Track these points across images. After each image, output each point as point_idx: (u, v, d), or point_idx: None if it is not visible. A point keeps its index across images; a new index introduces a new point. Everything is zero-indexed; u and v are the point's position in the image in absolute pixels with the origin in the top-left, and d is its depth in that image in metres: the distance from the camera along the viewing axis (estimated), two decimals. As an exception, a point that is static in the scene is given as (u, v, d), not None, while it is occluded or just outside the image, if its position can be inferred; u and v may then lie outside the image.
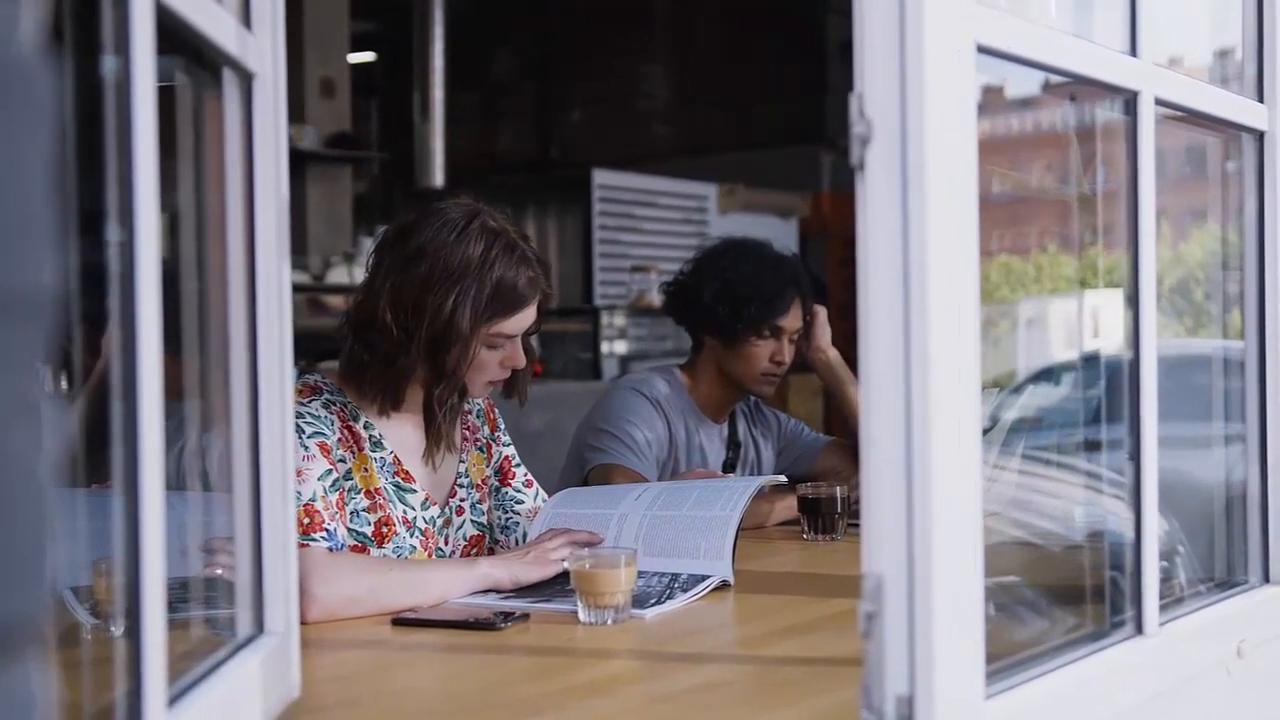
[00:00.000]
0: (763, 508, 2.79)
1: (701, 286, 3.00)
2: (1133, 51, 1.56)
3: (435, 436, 2.17)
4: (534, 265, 2.14)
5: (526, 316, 2.15)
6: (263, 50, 1.34)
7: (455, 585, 1.97)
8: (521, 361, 2.18)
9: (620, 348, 7.36)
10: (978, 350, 1.27)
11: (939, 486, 1.20)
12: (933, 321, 1.19)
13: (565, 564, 1.96)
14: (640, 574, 1.98)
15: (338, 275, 7.09)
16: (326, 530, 1.98)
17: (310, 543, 1.93)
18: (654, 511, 2.18)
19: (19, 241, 0.55)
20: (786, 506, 2.78)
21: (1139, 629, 1.57)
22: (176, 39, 1.14)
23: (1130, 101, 1.56)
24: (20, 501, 0.55)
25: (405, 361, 2.09)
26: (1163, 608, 1.61)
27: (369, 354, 2.11)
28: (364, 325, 2.12)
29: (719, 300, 2.96)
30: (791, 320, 2.99)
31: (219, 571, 1.41)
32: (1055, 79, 1.59)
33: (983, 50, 1.28)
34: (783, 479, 2.48)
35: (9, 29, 0.57)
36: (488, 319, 2.09)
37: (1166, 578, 1.83)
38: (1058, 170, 2.08)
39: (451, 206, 2.15)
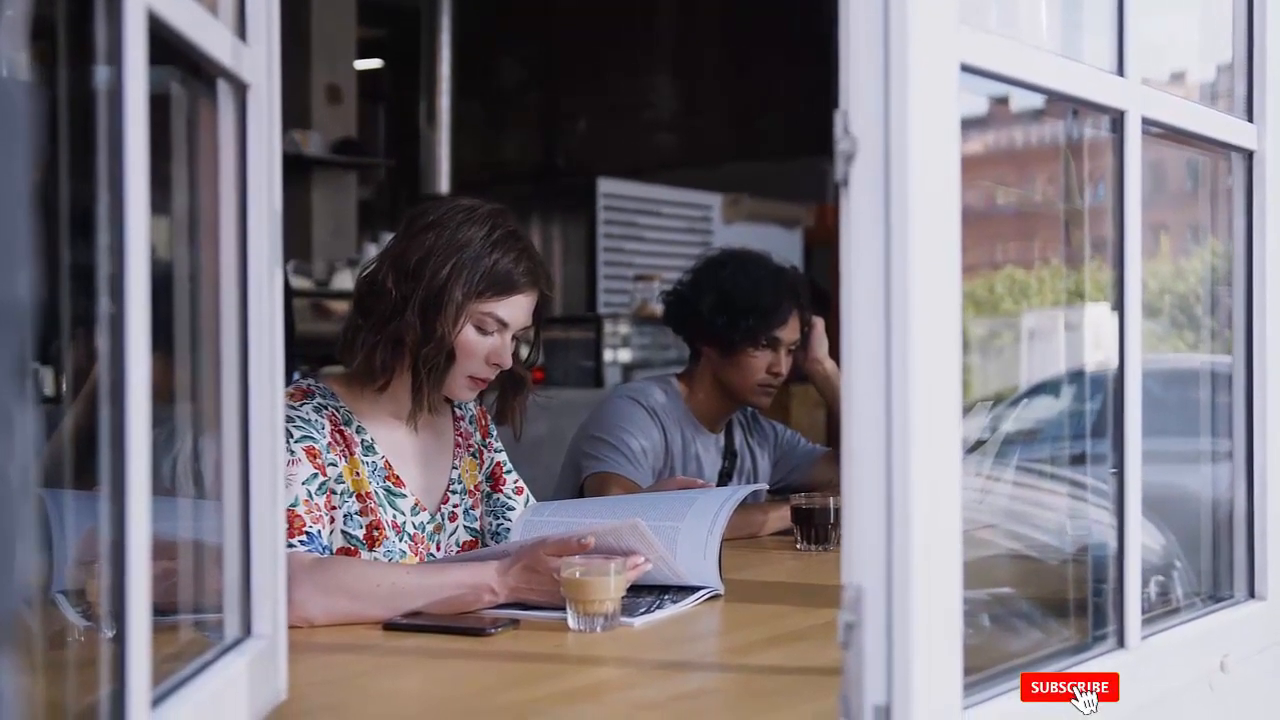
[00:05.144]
0: (756, 517, 2.80)
1: (700, 297, 3.02)
2: (1120, 71, 1.57)
3: (419, 399, 2.19)
4: (535, 263, 2.21)
5: (518, 305, 2.19)
6: (257, 61, 1.36)
7: (449, 603, 1.93)
8: (508, 360, 2.20)
9: (623, 356, 7.37)
10: (959, 364, 1.29)
11: (919, 498, 1.22)
12: (913, 336, 1.21)
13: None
14: (631, 587, 1.98)
15: (342, 281, 7.10)
16: (307, 534, 2.00)
17: (288, 547, 1.94)
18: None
19: (-3, 258, 0.56)
20: (780, 516, 2.79)
21: (1121, 642, 1.58)
22: (171, 50, 1.16)
23: (1117, 121, 1.57)
24: (-9, 505, 0.57)
25: (398, 325, 2.13)
26: (1147, 621, 1.63)
27: (364, 319, 2.16)
28: (365, 293, 2.19)
29: (717, 311, 2.97)
30: (789, 332, 3.00)
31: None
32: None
33: (967, 69, 1.30)
34: (763, 487, 2.48)
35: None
36: (479, 294, 2.15)
37: (1164, 591, 1.84)
38: (1060, 184, 2.09)
39: (468, 198, 2.26)
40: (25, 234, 0.60)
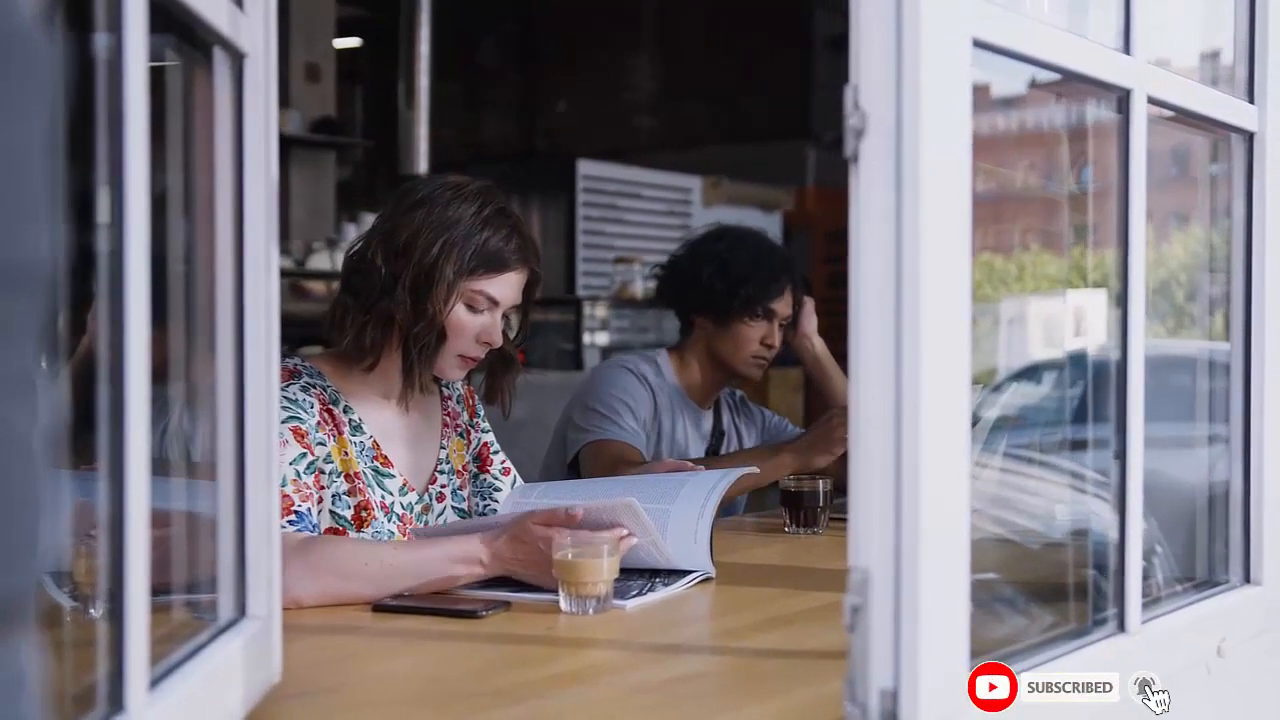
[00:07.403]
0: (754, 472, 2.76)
1: (697, 267, 3.02)
2: (1126, 49, 1.56)
3: (410, 379, 2.16)
4: (525, 240, 2.19)
5: (509, 283, 2.17)
6: (254, 30, 1.33)
7: (438, 579, 1.92)
8: (498, 339, 2.18)
9: (602, 339, 7.37)
10: (969, 345, 1.27)
11: (928, 481, 1.20)
12: (925, 315, 1.19)
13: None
14: (622, 570, 1.95)
15: (320, 261, 7.06)
16: (297, 513, 1.98)
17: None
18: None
19: (17, 214, 0.54)
20: (777, 464, 2.76)
21: (1121, 627, 1.57)
22: (168, 17, 1.13)
23: (1123, 99, 1.56)
24: (14, 478, 0.55)
25: (388, 304, 2.11)
26: (1144, 606, 1.62)
27: (353, 298, 2.13)
28: (353, 271, 2.16)
29: (715, 279, 2.98)
30: (783, 305, 3.01)
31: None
32: (1042, 77, 1.59)
33: (979, 45, 1.28)
34: (754, 469, 2.46)
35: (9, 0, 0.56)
36: (471, 272, 2.13)
37: (1144, 576, 1.84)
38: (1042, 169, 2.08)
39: (456, 175, 2.24)
40: (48, 194, 0.57)
